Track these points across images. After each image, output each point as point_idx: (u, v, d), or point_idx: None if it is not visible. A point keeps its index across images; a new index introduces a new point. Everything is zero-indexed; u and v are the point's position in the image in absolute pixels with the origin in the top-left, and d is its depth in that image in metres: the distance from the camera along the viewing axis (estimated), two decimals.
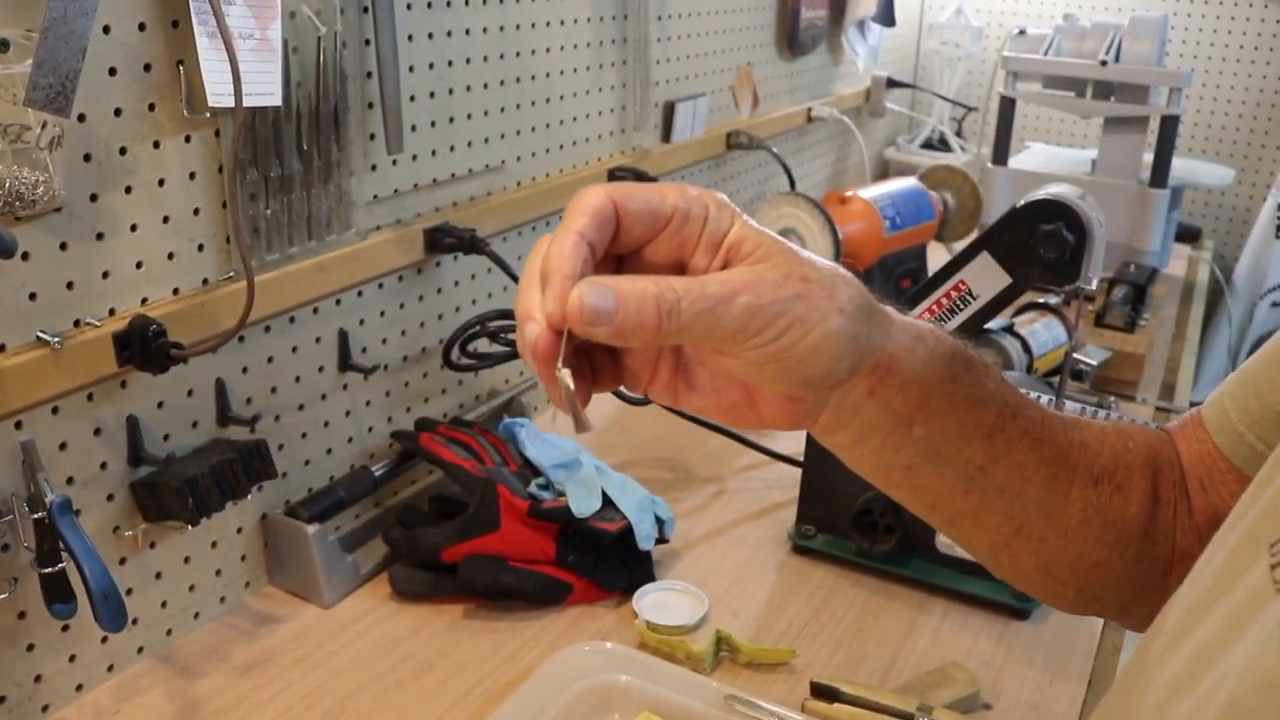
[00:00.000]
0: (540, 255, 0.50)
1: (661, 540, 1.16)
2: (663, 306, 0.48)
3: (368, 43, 1.12)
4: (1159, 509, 0.63)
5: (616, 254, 0.53)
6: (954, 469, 0.59)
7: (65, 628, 0.93)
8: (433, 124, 1.24)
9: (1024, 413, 0.61)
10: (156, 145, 0.93)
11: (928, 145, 2.86)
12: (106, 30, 0.87)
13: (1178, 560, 0.63)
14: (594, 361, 0.55)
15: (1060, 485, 0.61)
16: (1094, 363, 1.62)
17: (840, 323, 0.51)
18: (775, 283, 0.50)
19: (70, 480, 0.92)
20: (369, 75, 1.13)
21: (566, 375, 0.49)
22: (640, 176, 1.59)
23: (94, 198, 0.89)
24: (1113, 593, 0.65)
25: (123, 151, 0.91)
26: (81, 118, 0.86)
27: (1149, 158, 2.03)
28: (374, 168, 1.17)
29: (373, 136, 1.16)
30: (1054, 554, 0.63)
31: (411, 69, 1.19)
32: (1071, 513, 0.62)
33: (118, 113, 0.90)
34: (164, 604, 1.03)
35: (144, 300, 0.95)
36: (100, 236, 0.90)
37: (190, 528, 0.99)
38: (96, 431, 0.93)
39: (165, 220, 0.96)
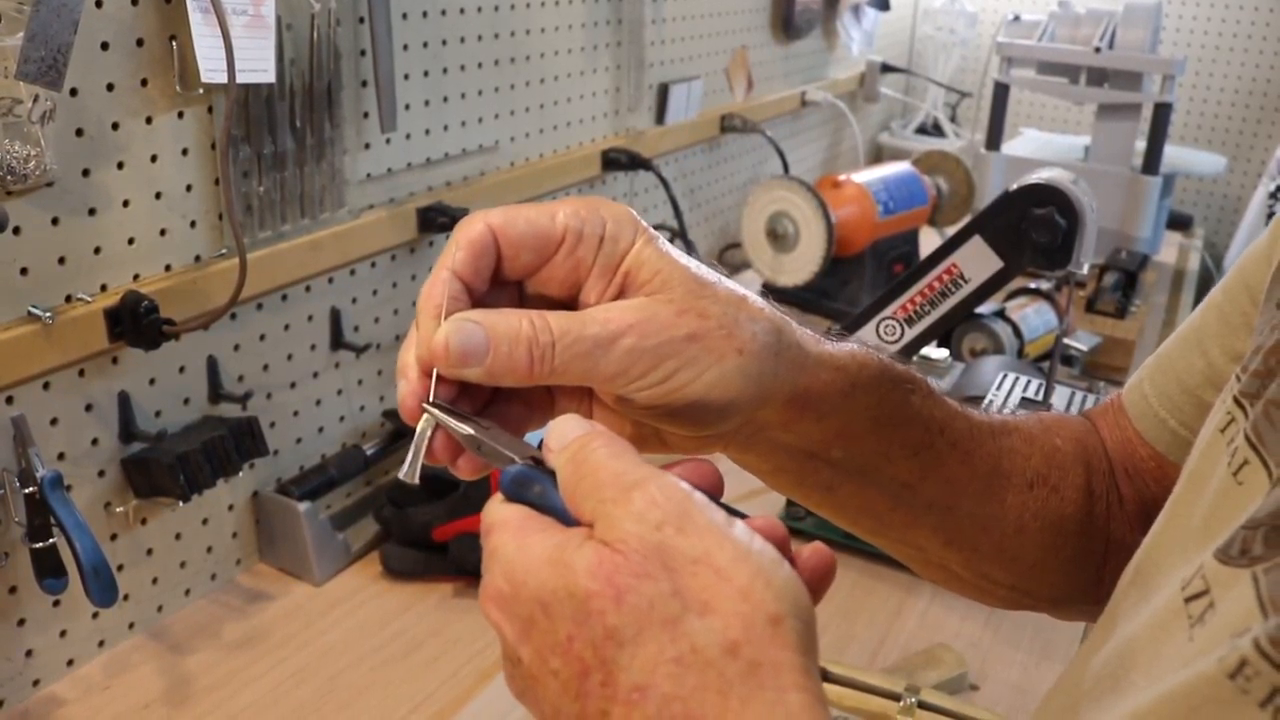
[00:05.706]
0: None
1: None
2: (535, 351, 0.44)
3: (362, 20, 1.11)
4: (1094, 503, 0.62)
5: (516, 280, 0.49)
6: (877, 487, 0.57)
7: (56, 603, 0.93)
8: (426, 103, 1.24)
9: (952, 426, 0.58)
10: (149, 121, 0.93)
11: (921, 130, 2.86)
12: (99, 4, 0.86)
13: (1113, 552, 0.62)
14: (527, 394, 0.50)
15: (995, 495, 0.60)
16: (1084, 348, 1.62)
17: (737, 364, 0.46)
18: (666, 321, 0.45)
19: (61, 456, 0.92)
20: (363, 53, 1.13)
21: (428, 421, 0.45)
22: (634, 158, 1.59)
23: (86, 173, 0.89)
24: (1047, 590, 0.64)
25: (115, 127, 0.90)
26: (73, 92, 0.86)
27: (1142, 145, 2.04)
28: (367, 146, 1.17)
29: (366, 115, 1.15)
30: (986, 560, 0.61)
31: (405, 47, 1.19)
32: (1007, 520, 0.60)
33: (110, 88, 0.89)
34: (155, 580, 1.03)
35: (136, 276, 0.95)
36: (92, 212, 0.90)
37: (181, 504, 0.99)
38: (88, 407, 0.93)
39: (158, 196, 0.95)
